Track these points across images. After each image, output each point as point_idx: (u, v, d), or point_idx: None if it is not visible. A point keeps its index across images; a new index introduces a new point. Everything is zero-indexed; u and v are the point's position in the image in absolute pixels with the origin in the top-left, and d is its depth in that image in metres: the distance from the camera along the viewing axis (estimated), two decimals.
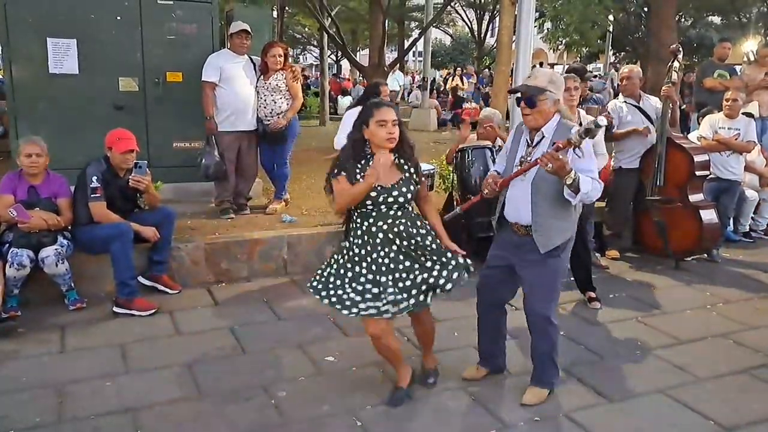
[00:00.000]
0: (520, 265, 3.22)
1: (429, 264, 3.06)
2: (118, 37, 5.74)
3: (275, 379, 3.49)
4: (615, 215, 5.87)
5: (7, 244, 4.07)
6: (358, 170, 3.03)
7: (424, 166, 5.11)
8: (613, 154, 5.51)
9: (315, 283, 3.14)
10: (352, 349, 3.86)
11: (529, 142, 3.18)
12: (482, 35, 24.92)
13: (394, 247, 3.00)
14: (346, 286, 3.04)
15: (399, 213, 3.02)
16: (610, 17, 15.94)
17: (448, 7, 20.09)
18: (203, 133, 5.60)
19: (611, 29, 17.70)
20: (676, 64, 5.40)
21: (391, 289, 2.96)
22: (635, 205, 5.75)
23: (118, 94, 5.79)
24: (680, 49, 5.45)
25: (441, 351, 3.83)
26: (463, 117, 15.31)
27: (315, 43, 24.84)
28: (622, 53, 20.58)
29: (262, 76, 5.66)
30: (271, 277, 5.02)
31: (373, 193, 2.95)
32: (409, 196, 3.05)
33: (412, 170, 3.09)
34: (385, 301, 2.96)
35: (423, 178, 3.18)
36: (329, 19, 12.95)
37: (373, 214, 3.00)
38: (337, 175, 3.05)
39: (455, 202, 5.19)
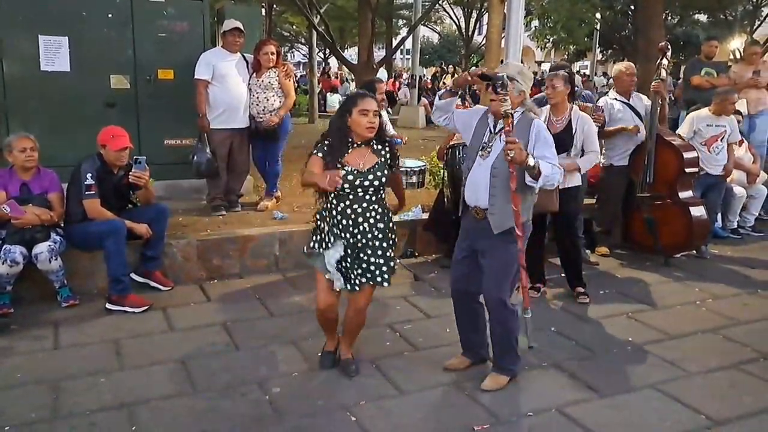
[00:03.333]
0: (480, 250, 3.33)
1: (373, 258, 3.28)
2: (110, 35, 5.72)
3: (269, 375, 3.50)
4: (605, 212, 5.93)
5: (0, 241, 4.05)
6: (335, 155, 3.21)
7: (414, 163, 5.16)
8: (603, 151, 5.55)
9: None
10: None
11: (492, 129, 3.31)
12: (470, 33, 24.98)
13: (358, 230, 3.23)
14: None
15: (373, 198, 3.24)
16: (597, 15, 16.01)
17: (436, 4, 20.13)
18: (195, 130, 5.59)
19: (598, 27, 17.79)
20: (664, 61, 5.46)
21: (335, 264, 3.26)
22: (625, 202, 5.80)
23: (109, 92, 5.78)
24: (669, 46, 5.50)
25: (433, 347, 3.87)
26: None
27: (303, 40, 24.77)
28: (610, 51, 20.72)
29: (254, 74, 5.66)
30: (263, 273, 5.02)
31: (350, 177, 3.15)
32: (384, 180, 3.25)
33: (387, 155, 3.29)
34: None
35: (397, 162, 3.38)
36: (318, 16, 12.93)
37: (350, 197, 3.20)
38: (316, 153, 3.26)
39: (446, 199, 5.22)
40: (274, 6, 18.19)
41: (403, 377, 3.51)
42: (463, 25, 25.27)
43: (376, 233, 3.26)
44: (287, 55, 33.62)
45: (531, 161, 3.10)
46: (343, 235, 3.24)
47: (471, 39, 25.23)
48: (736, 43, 16.41)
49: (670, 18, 18.24)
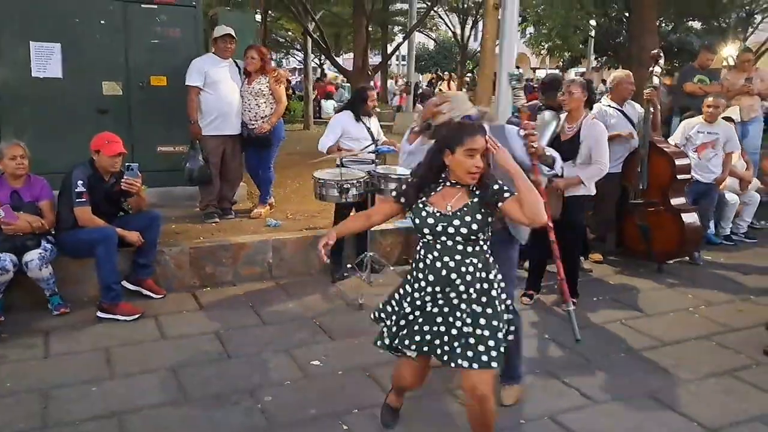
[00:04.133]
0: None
1: (465, 329, 2.54)
2: (102, 41, 5.70)
3: (261, 384, 3.48)
4: (599, 219, 5.92)
5: None
6: (420, 198, 2.59)
7: (403, 172, 5.06)
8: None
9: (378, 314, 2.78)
10: (338, 353, 3.86)
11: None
12: (465, 40, 25.05)
13: (453, 294, 2.55)
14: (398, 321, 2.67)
15: (468, 249, 2.53)
16: (592, 22, 16.08)
17: (432, 11, 20.18)
18: (188, 137, 5.58)
19: (593, 34, 17.84)
20: (657, 68, 5.47)
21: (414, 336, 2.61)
22: (618, 209, 5.81)
23: (101, 98, 5.76)
24: (661, 54, 5.52)
25: None
26: None
27: (298, 47, 24.80)
28: (605, 58, 20.75)
29: (246, 80, 5.66)
30: (256, 281, 5.00)
31: (431, 220, 2.52)
32: (475, 227, 2.49)
33: (483, 195, 2.53)
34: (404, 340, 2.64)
35: (505, 195, 2.50)
36: (313, 23, 12.95)
37: (437, 246, 2.54)
38: (394, 195, 2.71)
39: None
40: (269, 12, 18.20)
41: None
42: (458, 31, 25.35)
43: (474, 296, 2.55)
44: (282, 62, 33.66)
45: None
46: (431, 295, 2.58)
47: (467, 46, 25.28)
48: (730, 50, 16.49)
49: (664, 25, 18.31)
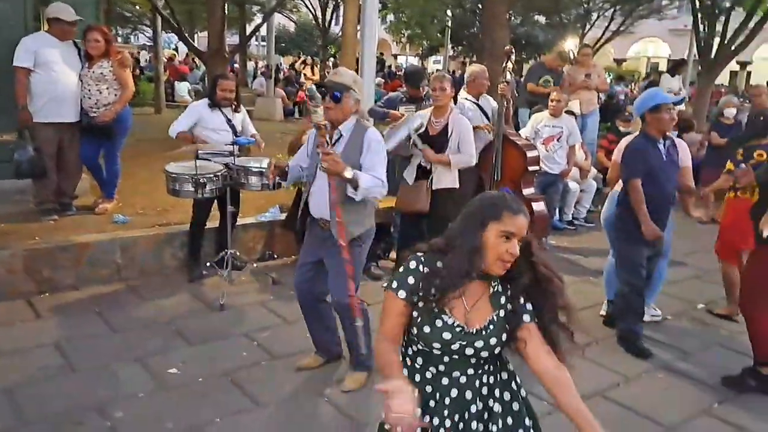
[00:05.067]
0: (326, 258, 3.34)
1: None
2: None
3: (111, 399, 3.21)
4: (456, 209, 6.13)
5: None
6: (438, 296, 1.83)
7: (258, 163, 4.84)
8: None
9: None
10: (197, 358, 3.67)
11: (329, 140, 3.26)
12: (327, 23, 24.89)
13: (468, 412, 1.92)
14: None
15: (485, 366, 1.95)
16: (448, 12, 16.64)
17: None
18: (15, 123, 4.97)
19: (449, 24, 18.49)
20: (509, 64, 5.74)
21: None
22: None
23: None
24: (513, 50, 5.79)
25: (292, 354, 3.77)
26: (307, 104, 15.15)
27: (147, 22, 23.28)
28: (460, 48, 21.61)
29: (86, 64, 5.16)
30: (102, 284, 4.60)
31: (448, 336, 1.85)
32: (500, 348, 1.91)
33: (510, 306, 1.92)
34: None
35: (529, 320, 1.92)
36: None
37: (444, 359, 1.91)
38: (395, 288, 1.89)
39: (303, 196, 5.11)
40: None
41: (260, 389, 3.39)
42: (319, 15, 25.12)
43: (501, 420, 1.95)
44: (129, 38, 31.48)
45: (348, 173, 3.06)
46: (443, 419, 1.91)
47: (328, 29, 25.14)
48: (570, 44, 17.79)
49: (513, 18, 19.40)
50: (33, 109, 4.94)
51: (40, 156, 4.92)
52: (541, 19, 21.46)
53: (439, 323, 1.85)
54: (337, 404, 3.31)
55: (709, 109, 11.90)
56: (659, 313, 4.76)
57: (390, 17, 16.64)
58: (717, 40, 10.98)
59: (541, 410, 3.34)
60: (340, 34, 10.77)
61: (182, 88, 16.42)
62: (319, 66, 22.01)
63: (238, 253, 4.93)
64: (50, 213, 5.10)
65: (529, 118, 6.89)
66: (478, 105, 5.74)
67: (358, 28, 6.71)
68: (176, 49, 27.65)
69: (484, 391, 1.93)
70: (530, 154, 5.79)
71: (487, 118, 5.74)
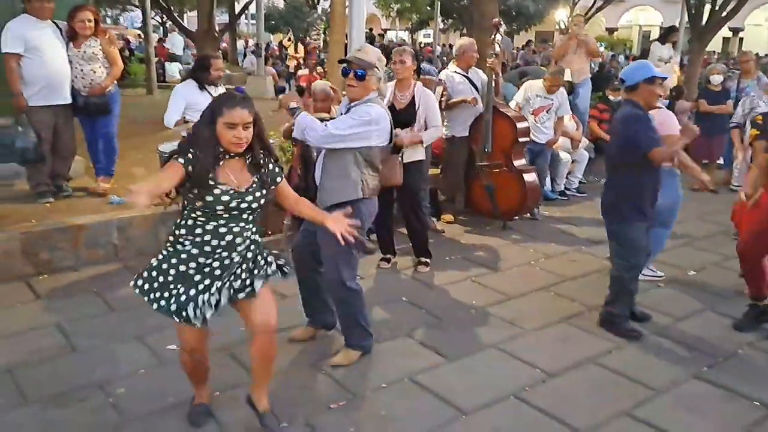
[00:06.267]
0: (318, 231, 3.30)
1: (240, 272, 2.78)
2: None
3: (112, 376, 3.29)
4: (449, 181, 6.19)
5: None
6: (203, 169, 2.55)
7: None
8: (446, 123, 5.75)
9: (141, 282, 2.69)
10: None
11: (342, 112, 3.40)
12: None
13: (234, 255, 2.68)
14: (171, 284, 2.65)
15: (250, 218, 2.71)
16: None
17: None
18: (9, 110, 4.98)
19: None
20: (498, 36, 5.74)
21: (204, 296, 2.65)
22: (466, 171, 6.09)
23: None
24: (501, 22, 5.79)
25: (286, 329, 3.83)
26: (299, 83, 15.08)
27: (136, 3, 22.99)
28: (450, 20, 21.45)
29: (71, 44, 5.14)
30: (100, 264, 4.66)
31: (225, 198, 2.57)
32: (262, 201, 2.70)
33: (265, 175, 2.70)
34: (194, 309, 2.63)
35: (279, 179, 2.78)
36: None
37: (225, 216, 2.62)
38: (176, 158, 2.54)
39: (297, 177, 5.14)
40: None
41: None
42: None
43: (250, 255, 2.78)
44: (119, 19, 31.11)
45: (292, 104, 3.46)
46: (212, 261, 2.64)
47: (316, 5, 24.89)
48: (561, 14, 17.70)
49: None
50: (28, 93, 4.94)
51: (39, 141, 4.94)
52: None
53: (217, 191, 2.56)
54: (332, 375, 3.38)
55: (700, 76, 11.89)
56: (662, 274, 4.84)
57: None
58: (708, 6, 10.92)
59: (534, 377, 3.45)
60: (329, 10, 10.68)
61: (173, 68, 16.32)
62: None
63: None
64: (46, 195, 5.12)
65: (518, 88, 6.85)
66: (467, 77, 5.76)
67: (347, 3, 6.67)
68: (165, 32, 27.33)
69: (247, 234, 2.71)
70: (520, 125, 5.83)
71: (477, 90, 5.76)
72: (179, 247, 2.63)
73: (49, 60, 4.99)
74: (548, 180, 6.96)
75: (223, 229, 2.62)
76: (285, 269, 2.97)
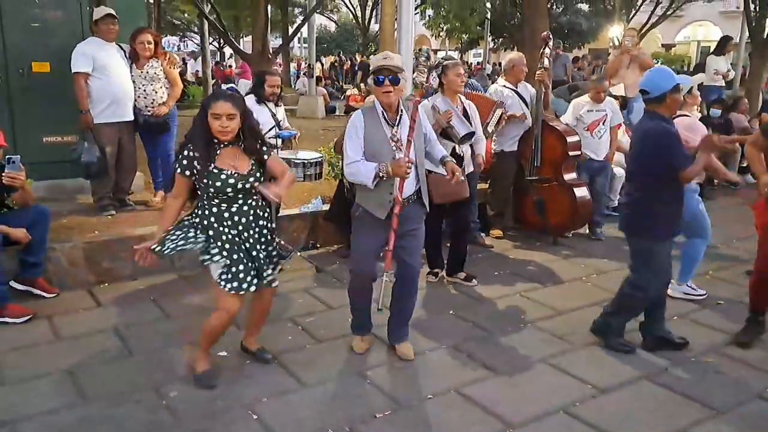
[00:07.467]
0: (405, 233, 3.47)
1: (262, 253, 3.30)
2: None
3: (166, 379, 3.39)
4: (497, 196, 6.16)
5: None
6: (204, 161, 3.09)
7: (311, 155, 5.12)
8: (495, 137, 5.74)
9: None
10: None
11: (390, 122, 3.46)
12: (366, 22, 25.07)
13: (254, 233, 3.23)
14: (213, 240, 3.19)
15: (257, 199, 3.23)
16: (488, 4, 16.52)
17: None
18: (78, 126, 5.26)
19: (489, 16, 18.34)
20: (547, 50, 5.72)
21: (247, 269, 3.19)
22: (515, 186, 6.05)
23: None
24: (551, 36, 5.77)
25: (335, 338, 3.88)
26: (348, 103, 15.32)
27: (195, 29, 23.90)
28: (500, 39, 21.43)
29: (134, 65, 5.41)
30: (157, 274, 4.81)
31: (232, 180, 3.09)
32: (263, 178, 3.22)
33: (261, 157, 3.22)
34: (244, 280, 3.17)
35: (266, 157, 3.25)
36: (209, 4, 12.51)
37: (237, 197, 3.16)
38: (178, 171, 3.15)
39: (345, 190, 5.22)
40: None
41: (305, 370, 3.51)
42: (359, 13, 25.32)
43: (265, 232, 3.33)
44: (179, 45, 32.37)
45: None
46: (240, 238, 3.21)
47: (368, 28, 25.33)
48: (615, 31, 17.44)
49: (555, 7, 19.12)
50: (95, 111, 5.20)
51: (104, 156, 5.20)
52: (584, 6, 21.10)
53: (223, 176, 3.08)
54: (379, 384, 3.40)
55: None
56: (703, 292, 4.69)
57: (429, 12, 16.64)
58: None
59: (584, 392, 3.38)
60: (379, 32, 10.86)
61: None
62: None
63: (282, 242, 5.08)
64: (108, 208, 5.35)
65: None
66: (516, 92, 5.75)
67: (396, 25, 6.78)
68: (222, 56, 28.27)
69: (259, 212, 3.25)
70: (570, 139, 5.76)
71: (526, 104, 5.75)
72: (204, 222, 3.18)
73: (115, 79, 5.26)
74: (608, 197, 6.73)
75: (234, 207, 3.16)
76: (284, 254, 3.57)
